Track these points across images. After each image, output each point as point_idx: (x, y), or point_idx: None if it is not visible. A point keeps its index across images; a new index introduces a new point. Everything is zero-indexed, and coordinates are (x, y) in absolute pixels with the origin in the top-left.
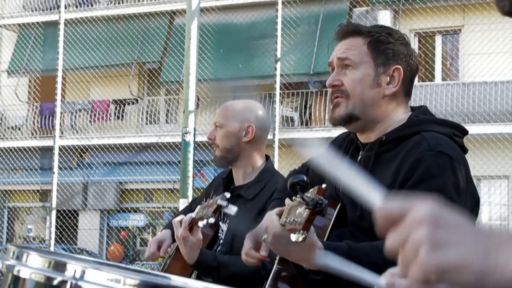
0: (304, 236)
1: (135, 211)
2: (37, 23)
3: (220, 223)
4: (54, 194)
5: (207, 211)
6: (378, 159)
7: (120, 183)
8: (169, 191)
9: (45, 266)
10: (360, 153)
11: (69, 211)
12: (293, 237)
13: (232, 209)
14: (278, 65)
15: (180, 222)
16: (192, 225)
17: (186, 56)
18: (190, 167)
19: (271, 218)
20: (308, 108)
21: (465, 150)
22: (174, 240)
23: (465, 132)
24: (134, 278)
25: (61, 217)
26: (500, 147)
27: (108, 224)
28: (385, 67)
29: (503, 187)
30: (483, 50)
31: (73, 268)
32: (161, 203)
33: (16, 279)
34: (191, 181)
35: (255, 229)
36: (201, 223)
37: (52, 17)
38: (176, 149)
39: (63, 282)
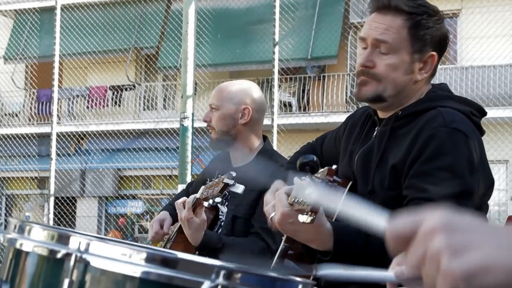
0: (312, 217)
1: (133, 198)
2: (34, 8)
3: (220, 205)
4: (52, 180)
5: (213, 190)
6: (393, 134)
7: (118, 169)
8: (167, 178)
9: (49, 239)
10: (376, 128)
11: (67, 198)
12: (301, 218)
13: (239, 188)
14: (277, 49)
15: (183, 203)
16: (196, 206)
17: (184, 41)
18: (189, 153)
19: (279, 196)
20: (306, 93)
21: (482, 132)
22: (174, 220)
23: (483, 113)
24: (141, 251)
25: (59, 204)
26: (500, 130)
27: (106, 211)
28: (421, 53)
29: (501, 172)
30: (482, 33)
31: (77, 240)
32: (159, 190)
33: (19, 252)
34: (190, 166)
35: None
36: (206, 203)
37: (49, 3)
38: (174, 135)
39: (67, 255)
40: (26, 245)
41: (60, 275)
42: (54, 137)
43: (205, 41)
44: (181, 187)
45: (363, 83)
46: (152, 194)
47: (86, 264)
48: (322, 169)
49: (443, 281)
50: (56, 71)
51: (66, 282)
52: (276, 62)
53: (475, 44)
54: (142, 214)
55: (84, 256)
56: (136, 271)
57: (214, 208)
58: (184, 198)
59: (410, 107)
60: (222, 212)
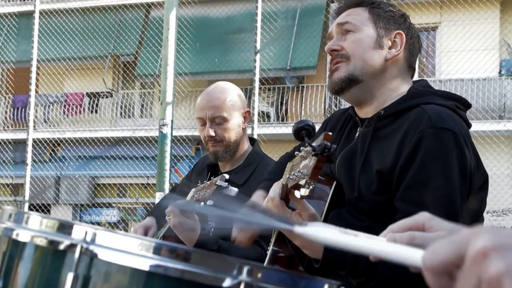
0: (311, 187)
1: (108, 207)
2: (11, 13)
3: None
4: (27, 186)
5: (205, 193)
6: (376, 135)
7: (93, 177)
8: (143, 186)
9: (49, 228)
10: (358, 129)
11: (41, 205)
12: (298, 193)
13: (232, 191)
14: (258, 57)
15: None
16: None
17: (164, 47)
18: (167, 160)
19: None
20: (284, 104)
21: (468, 125)
22: (159, 228)
23: (468, 105)
24: (154, 243)
25: (33, 211)
26: (480, 143)
27: (80, 219)
28: (386, 30)
29: None
30: (460, 47)
31: (83, 230)
32: (134, 198)
33: (14, 244)
34: (168, 174)
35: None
36: None
37: (27, 8)
38: (151, 144)
39: (72, 246)
40: (23, 235)
41: (62, 268)
42: (30, 143)
43: (184, 49)
44: (159, 195)
45: (334, 70)
46: (127, 203)
47: (93, 256)
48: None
49: None
50: (33, 76)
51: (69, 276)
52: (257, 70)
53: (454, 58)
54: (117, 223)
55: (91, 247)
56: (149, 265)
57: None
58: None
59: (392, 106)
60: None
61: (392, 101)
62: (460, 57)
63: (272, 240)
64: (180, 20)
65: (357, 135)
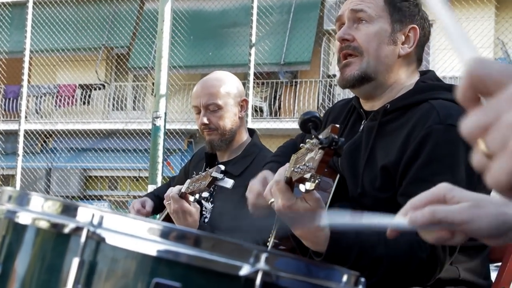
0: (317, 181)
1: (98, 199)
2: (4, 3)
3: (203, 201)
4: (18, 177)
5: (200, 184)
6: (382, 129)
7: (84, 169)
8: (135, 179)
9: (53, 210)
10: (363, 122)
11: None
12: (303, 187)
13: (228, 182)
14: (253, 50)
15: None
16: (183, 198)
17: (159, 39)
18: (160, 153)
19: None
20: (277, 99)
21: None
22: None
23: None
24: (168, 227)
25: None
26: None
27: None
28: (401, 24)
29: None
30: None
31: (89, 212)
32: (126, 191)
33: (15, 227)
34: (161, 167)
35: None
36: (192, 198)
37: None
38: (143, 137)
39: (77, 229)
40: (24, 218)
41: (67, 254)
42: (21, 134)
43: (178, 43)
44: (151, 187)
45: (347, 65)
46: (118, 196)
47: (100, 241)
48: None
49: (509, 159)
50: (26, 66)
51: (75, 262)
52: (252, 64)
53: (449, 55)
54: None
55: (98, 231)
56: (159, 250)
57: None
58: (172, 189)
59: (399, 99)
60: (205, 208)
61: (400, 94)
62: (454, 56)
63: (273, 232)
64: (175, 13)
65: (361, 128)
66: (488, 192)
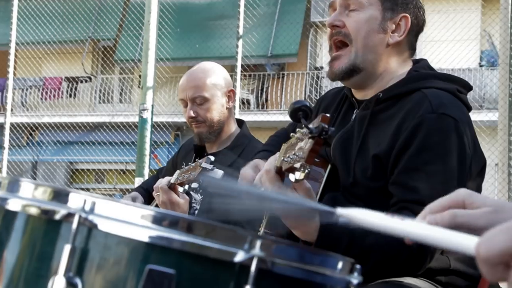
0: (307, 171)
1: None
2: None
3: (192, 193)
4: (4, 170)
5: (190, 175)
6: (374, 118)
7: (71, 162)
8: (121, 172)
9: (43, 197)
10: (355, 111)
11: None
12: (292, 176)
13: (218, 173)
14: (240, 42)
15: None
16: (172, 189)
17: (146, 31)
18: (147, 145)
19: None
20: (264, 91)
21: (469, 108)
22: (145, 202)
23: (469, 88)
24: (161, 213)
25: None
26: None
27: None
28: (393, 12)
29: None
30: (442, 37)
31: (81, 198)
32: (112, 185)
33: (5, 214)
34: (148, 159)
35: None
36: (181, 189)
37: None
38: (130, 129)
39: (68, 216)
40: (13, 204)
41: (58, 240)
42: (7, 127)
43: (165, 35)
44: (138, 180)
45: (336, 58)
46: (105, 189)
47: (92, 227)
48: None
49: None
50: (11, 59)
51: (66, 249)
52: (240, 56)
53: (436, 47)
54: None
55: (90, 217)
56: (151, 236)
57: (186, 195)
58: (161, 180)
59: (392, 88)
60: (195, 200)
61: (392, 83)
62: (441, 47)
63: (264, 222)
64: (161, 5)
65: (353, 117)
66: (478, 182)
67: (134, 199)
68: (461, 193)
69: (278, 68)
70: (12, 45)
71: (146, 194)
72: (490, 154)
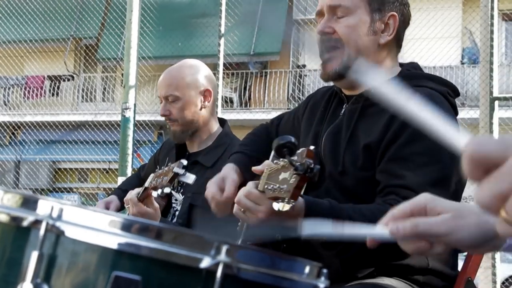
0: (292, 205)
1: (68, 192)
2: None
3: (173, 192)
4: None
5: (162, 180)
6: (364, 112)
7: (54, 162)
8: (105, 172)
9: (12, 204)
10: (344, 105)
11: None
12: (276, 205)
13: (190, 178)
14: (222, 41)
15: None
16: (145, 196)
17: (127, 29)
18: (130, 144)
19: (247, 186)
20: (247, 89)
21: (456, 112)
22: (122, 205)
23: (457, 93)
24: (128, 220)
25: None
26: None
27: None
28: (380, 13)
29: None
30: (424, 34)
31: (48, 205)
32: (95, 184)
33: None
34: (131, 158)
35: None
36: (155, 193)
37: None
38: (113, 128)
39: (36, 222)
40: None
41: (26, 247)
42: None
43: (147, 33)
44: (121, 180)
45: (328, 60)
46: (88, 188)
47: (60, 234)
48: (298, 151)
49: None
50: None
51: (34, 255)
52: (222, 54)
53: (417, 45)
54: None
55: (58, 224)
56: (119, 243)
57: (166, 196)
58: (131, 192)
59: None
60: (176, 200)
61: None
62: (423, 45)
63: (244, 227)
64: (144, 3)
65: (342, 111)
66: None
67: (107, 204)
68: (423, 198)
69: (260, 67)
70: None
71: (125, 195)
72: None
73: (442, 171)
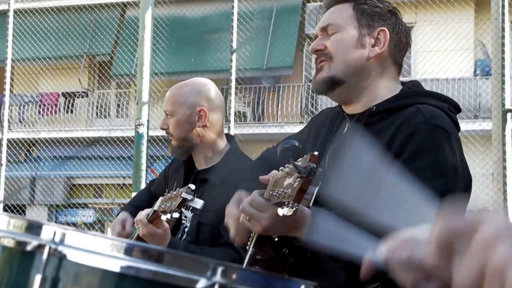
0: (295, 208)
1: (84, 207)
2: None
3: (183, 209)
4: (2, 187)
5: (171, 204)
6: (366, 130)
7: (69, 178)
8: (119, 187)
9: (16, 229)
10: (347, 124)
11: (16, 205)
12: (281, 211)
13: (198, 203)
14: (234, 56)
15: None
16: (154, 218)
17: (140, 46)
18: (143, 160)
19: (252, 194)
20: (260, 104)
21: (458, 128)
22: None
23: (459, 109)
24: (126, 243)
25: (8, 212)
26: None
27: (56, 220)
28: (369, 28)
29: None
30: (435, 47)
31: (51, 230)
32: (110, 199)
33: None
34: (144, 174)
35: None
36: (164, 217)
37: (1, 7)
38: (127, 144)
39: (40, 247)
40: None
41: (30, 270)
42: (4, 143)
43: (160, 49)
44: None
45: (318, 70)
46: (103, 204)
47: (62, 257)
48: (303, 157)
49: None
50: (8, 76)
51: (37, 278)
52: (234, 70)
53: (429, 58)
54: (93, 224)
55: (60, 248)
56: (120, 266)
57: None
58: (141, 213)
59: (386, 103)
60: (185, 217)
61: (383, 99)
62: (435, 57)
63: (252, 241)
64: (156, 19)
65: (345, 130)
66: (465, 197)
67: (123, 223)
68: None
69: (273, 81)
70: (8, 61)
71: (137, 212)
72: (485, 164)
73: (447, 185)
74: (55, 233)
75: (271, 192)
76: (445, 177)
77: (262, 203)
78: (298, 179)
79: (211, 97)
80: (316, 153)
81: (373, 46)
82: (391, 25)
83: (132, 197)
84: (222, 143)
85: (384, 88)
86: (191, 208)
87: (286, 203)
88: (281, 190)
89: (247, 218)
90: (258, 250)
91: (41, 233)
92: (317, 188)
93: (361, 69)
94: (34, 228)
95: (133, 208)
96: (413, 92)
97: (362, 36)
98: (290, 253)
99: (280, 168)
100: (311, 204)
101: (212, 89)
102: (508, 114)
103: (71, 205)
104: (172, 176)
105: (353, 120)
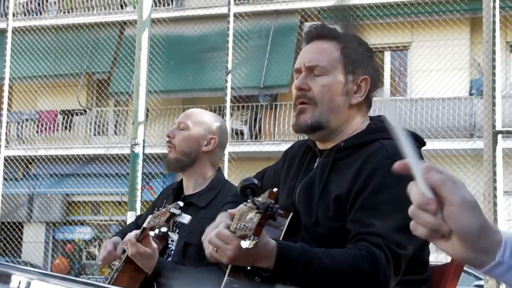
0: (255, 242)
1: (81, 224)
2: None
3: (170, 233)
4: None
5: (159, 220)
6: (335, 165)
7: (67, 195)
8: (117, 204)
9: None
10: (318, 159)
11: (14, 223)
12: (244, 243)
13: (186, 218)
14: (229, 77)
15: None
16: (144, 236)
17: (136, 67)
18: (139, 179)
19: (219, 227)
20: (257, 122)
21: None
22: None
23: (423, 143)
24: (87, 286)
25: (5, 229)
26: (448, 162)
27: (53, 237)
28: (354, 75)
29: None
30: (431, 66)
31: (17, 279)
32: (108, 216)
33: None
34: (140, 193)
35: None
36: (152, 233)
37: (0, 25)
38: (124, 161)
39: None
40: None
41: None
42: (1, 161)
43: (157, 68)
44: (130, 214)
45: (301, 112)
46: (101, 220)
47: None
48: (263, 193)
49: None
50: (5, 94)
51: None
52: (229, 91)
53: (424, 77)
54: (90, 241)
55: None
56: None
57: (163, 238)
58: (129, 234)
59: (352, 139)
60: (172, 240)
61: (352, 134)
62: (431, 76)
63: (228, 269)
64: (153, 38)
65: (316, 165)
66: None
67: (116, 244)
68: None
69: (270, 99)
70: (6, 80)
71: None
72: (476, 184)
73: (407, 218)
74: (20, 282)
75: (236, 226)
76: (405, 209)
77: (227, 236)
78: (257, 214)
79: (224, 135)
80: (275, 189)
81: (355, 93)
82: (370, 70)
83: (130, 216)
84: (211, 172)
85: (355, 126)
86: (177, 231)
87: (248, 236)
88: (243, 224)
89: (215, 249)
90: (233, 279)
91: (10, 282)
92: (288, 220)
93: (343, 115)
94: (3, 277)
95: (123, 235)
96: (378, 128)
97: (348, 83)
98: (261, 281)
99: (243, 204)
100: (282, 234)
101: (227, 130)
102: (499, 136)
103: (69, 222)
104: (160, 205)
105: (323, 156)
